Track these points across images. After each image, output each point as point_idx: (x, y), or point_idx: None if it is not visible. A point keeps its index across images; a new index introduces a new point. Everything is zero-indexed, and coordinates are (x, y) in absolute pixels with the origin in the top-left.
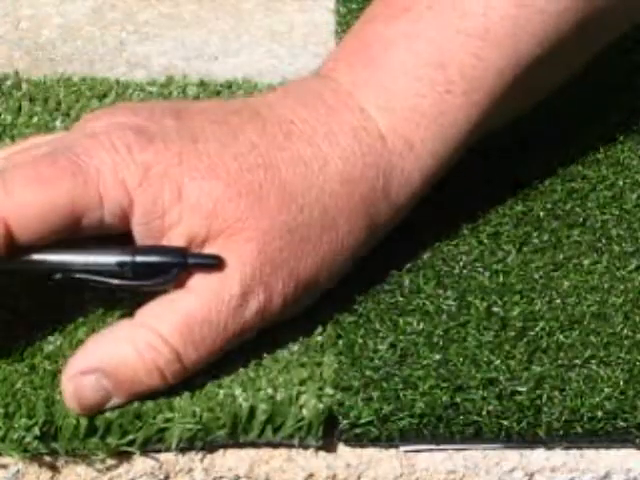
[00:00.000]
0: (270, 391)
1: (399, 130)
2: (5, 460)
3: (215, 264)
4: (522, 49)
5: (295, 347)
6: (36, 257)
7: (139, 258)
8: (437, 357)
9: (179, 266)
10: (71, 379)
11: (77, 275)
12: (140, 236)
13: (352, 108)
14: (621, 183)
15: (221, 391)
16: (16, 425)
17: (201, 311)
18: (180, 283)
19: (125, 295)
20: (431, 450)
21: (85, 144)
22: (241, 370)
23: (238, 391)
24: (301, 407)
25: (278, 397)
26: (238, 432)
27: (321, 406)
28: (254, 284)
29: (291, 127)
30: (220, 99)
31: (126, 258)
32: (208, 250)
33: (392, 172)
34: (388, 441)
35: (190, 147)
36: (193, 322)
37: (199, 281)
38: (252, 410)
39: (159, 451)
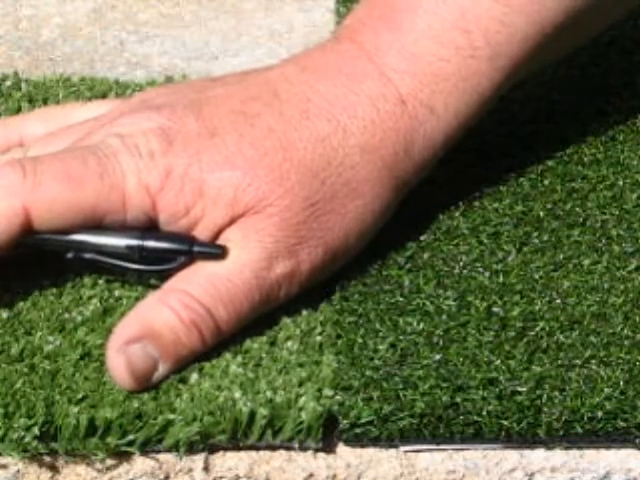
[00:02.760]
0: (269, 394)
1: (420, 95)
2: (5, 460)
3: (219, 253)
4: (547, 16)
5: (294, 346)
6: (50, 235)
7: (147, 243)
8: (437, 357)
9: (184, 254)
10: (119, 351)
11: (88, 255)
12: None
13: (372, 75)
14: (621, 183)
15: (221, 394)
16: (16, 425)
17: (224, 272)
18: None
19: (124, 293)
20: (431, 450)
21: (114, 146)
22: (240, 370)
23: (238, 394)
24: (300, 410)
25: (277, 399)
26: (238, 437)
27: (320, 409)
28: (277, 252)
29: (308, 105)
30: (241, 76)
31: (134, 242)
32: (234, 228)
33: (413, 135)
34: (388, 441)
35: (208, 143)
36: (218, 282)
37: None
38: (252, 414)
39: (159, 451)
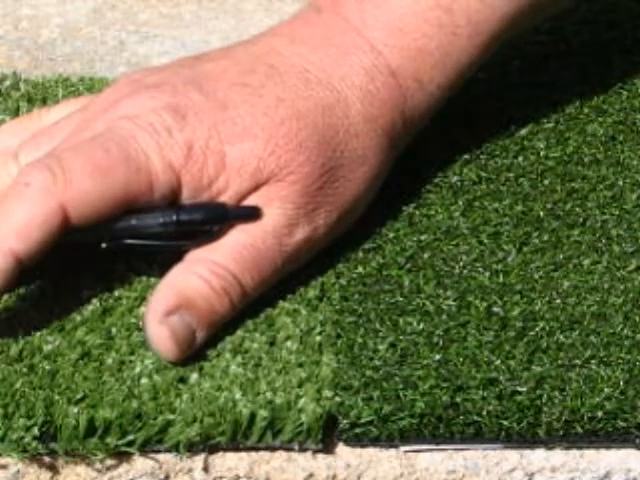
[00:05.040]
0: (269, 395)
1: (408, 68)
2: (5, 460)
3: (254, 214)
4: None
5: (294, 346)
6: (86, 228)
7: (182, 217)
8: (437, 357)
9: (220, 221)
10: (161, 322)
11: (127, 241)
12: None
13: (362, 47)
14: (621, 183)
15: (221, 395)
16: (15, 425)
17: (248, 240)
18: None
19: (124, 293)
20: (431, 450)
21: (128, 128)
22: (240, 371)
23: (238, 395)
24: (300, 412)
25: (277, 401)
26: (238, 438)
27: (320, 411)
28: (298, 218)
29: (308, 75)
30: (224, 52)
31: (169, 218)
32: (256, 196)
33: (405, 105)
34: (388, 441)
35: (222, 116)
36: (243, 249)
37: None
38: (252, 416)
39: (159, 451)
